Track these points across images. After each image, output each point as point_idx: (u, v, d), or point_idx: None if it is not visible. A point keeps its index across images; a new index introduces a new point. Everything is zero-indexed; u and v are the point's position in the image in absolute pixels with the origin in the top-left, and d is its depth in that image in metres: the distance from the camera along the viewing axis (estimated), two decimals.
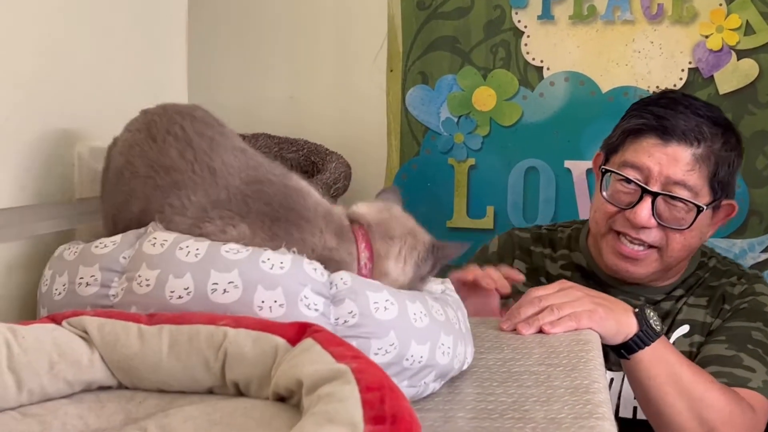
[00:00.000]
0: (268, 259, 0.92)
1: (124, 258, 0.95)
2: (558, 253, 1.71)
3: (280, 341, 0.84)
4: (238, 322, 0.87)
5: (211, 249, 0.93)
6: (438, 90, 2.17)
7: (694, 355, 1.54)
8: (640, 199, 1.49)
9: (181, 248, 0.93)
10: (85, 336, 0.88)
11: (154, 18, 1.40)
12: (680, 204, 1.49)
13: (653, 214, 1.48)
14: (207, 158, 1.02)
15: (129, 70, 1.33)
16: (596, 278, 1.63)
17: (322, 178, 1.90)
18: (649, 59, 2.06)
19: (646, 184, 1.49)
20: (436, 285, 1.11)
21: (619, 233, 1.54)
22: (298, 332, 0.85)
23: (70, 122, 1.17)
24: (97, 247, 0.98)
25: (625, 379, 1.49)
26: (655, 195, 1.48)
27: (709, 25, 2.02)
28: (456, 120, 2.15)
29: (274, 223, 1.00)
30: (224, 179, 1.01)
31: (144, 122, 1.06)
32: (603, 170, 1.55)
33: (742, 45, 2.01)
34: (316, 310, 0.91)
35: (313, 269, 0.94)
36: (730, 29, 2.01)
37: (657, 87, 2.06)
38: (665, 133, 1.48)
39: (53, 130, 1.15)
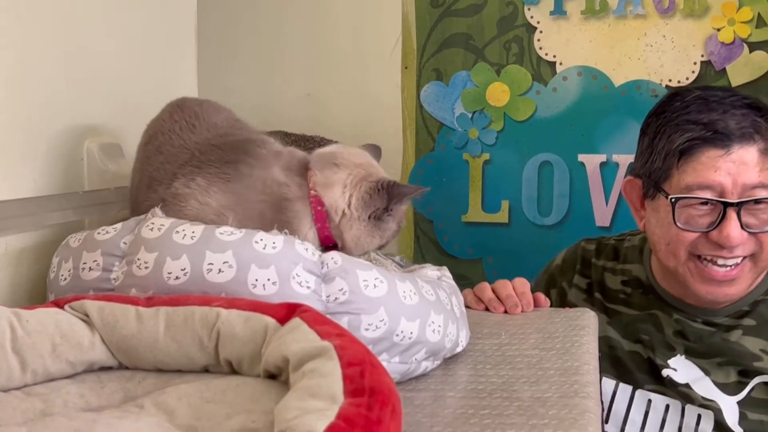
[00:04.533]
0: (261, 239, 0.96)
1: (125, 243, 0.99)
2: (620, 266, 1.59)
3: (270, 321, 0.88)
4: (231, 304, 0.90)
5: (206, 231, 0.97)
6: (452, 86, 2.19)
7: None
8: (723, 216, 1.32)
9: (177, 231, 0.97)
10: (86, 319, 0.92)
11: (162, 20, 1.45)
12: (762, 204, 1.33)
13: (743, 227, 1.32)
14: (191, 117, 1.10)
15: (138, 70, 1.38)
16: (655, 293, 1.51)
17: None
18: (662, 53, 2.07)
19: (723, 198, 1.32)
20: (432, 271, 1.13)
21: (700, 257, 1.38)
22: (287, 312, 0.88)
23: (81, 120, 1.22)
24: (99, 233, 1.02)
25: (687, 408, 1.40)
26: (739, 206, 1.31)
27: (721, 18, 2.02)
28: (470, 116, 2.17)
29: (225, 165, 1.06)
30: (200, 134, 1.08)
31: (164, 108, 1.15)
32: (673, 200, 1.35)
33: (753, 37, 2.01)
34: (308, 287, 0.94)
35: (305, 249, 0.97)
36: (742, 22, 2.01)
37: (669, 80, 2.06)
38: (722, 139, 1.32)
39: (65, 127, 1.20)
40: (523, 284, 1.40)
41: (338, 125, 2.21)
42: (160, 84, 1.44)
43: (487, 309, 1.37)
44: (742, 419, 1.36)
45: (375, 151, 1.22)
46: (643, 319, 1.48)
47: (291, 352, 0.81)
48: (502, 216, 2.18)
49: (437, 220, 2.21)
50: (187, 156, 1.08)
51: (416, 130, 2.22)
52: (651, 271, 1.53)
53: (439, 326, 1.00)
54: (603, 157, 2.11)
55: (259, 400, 0.82)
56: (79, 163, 1.21)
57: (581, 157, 2.13)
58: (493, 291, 1.39)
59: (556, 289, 1.66)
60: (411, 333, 0.97)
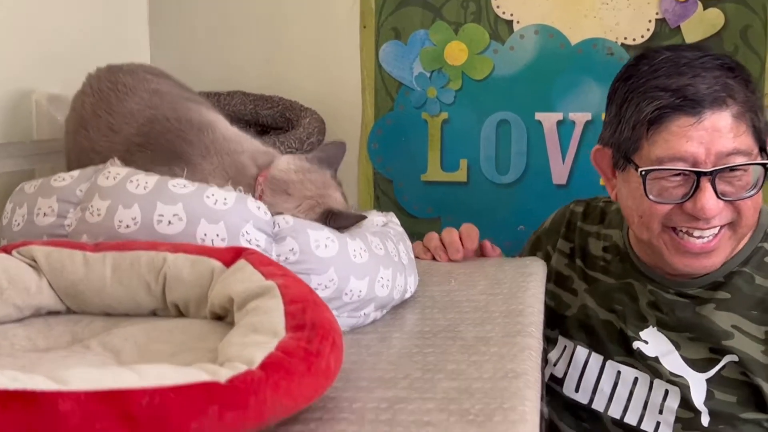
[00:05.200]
0: (213, 194, 0.96)
1: (81, 191, 1.00)
2: (604, 230, 1.52)
3: (217, 264, 0.89)
4: (177, 248, 0.91)
5: (159, 183, 0.97)
6: (410, 45, 2.19)
7: (751, 388, 1.31)
8: (697, 187, 1.23)
9: (131, 181, 0.97)
10: (34, 264, 0.93)
11: None
12: (738, 171, 1.24)
13: (718, 196, 1.23)
14: (107, 114, 1.09)
15: (88, 25, 1.37)
16: (631, 262, 1.45)
17: (296, 134, 1.93)
18: (617, 11, 2.08)
19: (697, 168, 1.23)
20: (378, 217, 1.14)
21: (675, 229, 1.29)
22: (233, 256, 0.89)
23: (29, 72, 1.22)
24: (56, 180, 1.02)
25: (655, 383, 1.36)
26: (713, 175, 1.22)
27: None
28: (428, 75, 2.18)
29: (154, 165, 1.05)
30: (121, 131, 1.07)
31: (85, 81, 1.14)
32: (644, 172, 1.26)
33: None
34: (258, 245, 0.95)
35: (257, 207, 0.98)
36: None
37: (625, 38, 2.08)
38: (693, 106, 1.22)
39: (12, 79, 1.19)
40: (469, 229, 1.43)
41: (297, 85, 2.20)
42: (111, 44, 1.43)
43: (434, 258, 1.39)
44: (709, 398, 1.32)
45: (338, 150, 1.19)
46: (619, 289, 1.45)
47: (235, 292, 0.82)
48: (460, 175, 2.20)
49: (397, 180, 2.22)
50: (119, 155, 1.08)
51: (375, 90, 2.22)
52: (627, 237, 1.47)
53: (388, 280, 1.02)
54: (560, 116, 2.12)
55: (204, 339, 0.83)
56: (28, 115, 1.21)
57: (538, 116, 2.14)
58: (441, 240, 1.42)
59: (542, 253, 1.60)
60: (360, 291, 0.98)
